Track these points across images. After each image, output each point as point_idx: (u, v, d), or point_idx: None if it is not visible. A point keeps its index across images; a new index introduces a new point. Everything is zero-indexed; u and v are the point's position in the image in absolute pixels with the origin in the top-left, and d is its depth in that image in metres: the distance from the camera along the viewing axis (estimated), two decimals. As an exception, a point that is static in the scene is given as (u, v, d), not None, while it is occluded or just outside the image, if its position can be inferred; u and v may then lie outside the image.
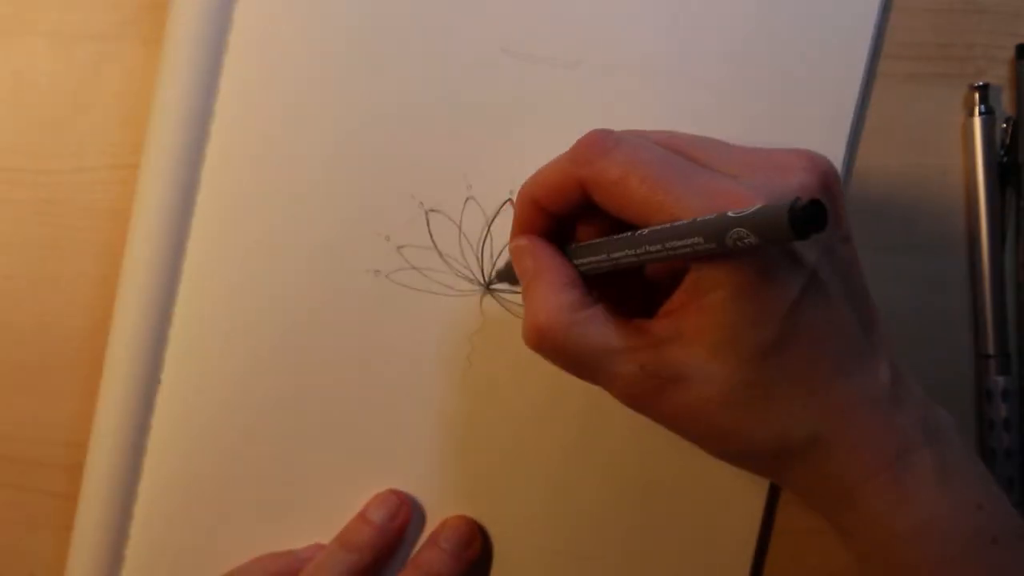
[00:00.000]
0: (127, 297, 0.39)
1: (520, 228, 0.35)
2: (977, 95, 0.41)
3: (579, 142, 0.32)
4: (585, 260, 0.33)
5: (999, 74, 0.41)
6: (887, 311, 0.40)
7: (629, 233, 0.31)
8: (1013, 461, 0.40)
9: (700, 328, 0.30)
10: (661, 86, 0.39)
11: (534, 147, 0.36)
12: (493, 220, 0.39)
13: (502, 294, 0.40)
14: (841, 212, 0.32)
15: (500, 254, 0.40)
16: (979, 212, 0.41)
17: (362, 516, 0.39)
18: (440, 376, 0.40)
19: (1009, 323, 0.41)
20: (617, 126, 0.33)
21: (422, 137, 0.40)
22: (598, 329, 0.31)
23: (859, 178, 0.41)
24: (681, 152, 0.32)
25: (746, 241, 0.27)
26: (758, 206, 0.27)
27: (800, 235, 0.26)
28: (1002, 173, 0.41)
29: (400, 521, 0.39)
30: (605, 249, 0.32)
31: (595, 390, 0.34)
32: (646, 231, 0.30)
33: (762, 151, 0.32)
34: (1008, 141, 0.41)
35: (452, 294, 0.40)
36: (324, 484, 0.40)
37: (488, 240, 0.40)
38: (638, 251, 0.30)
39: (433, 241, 0.40)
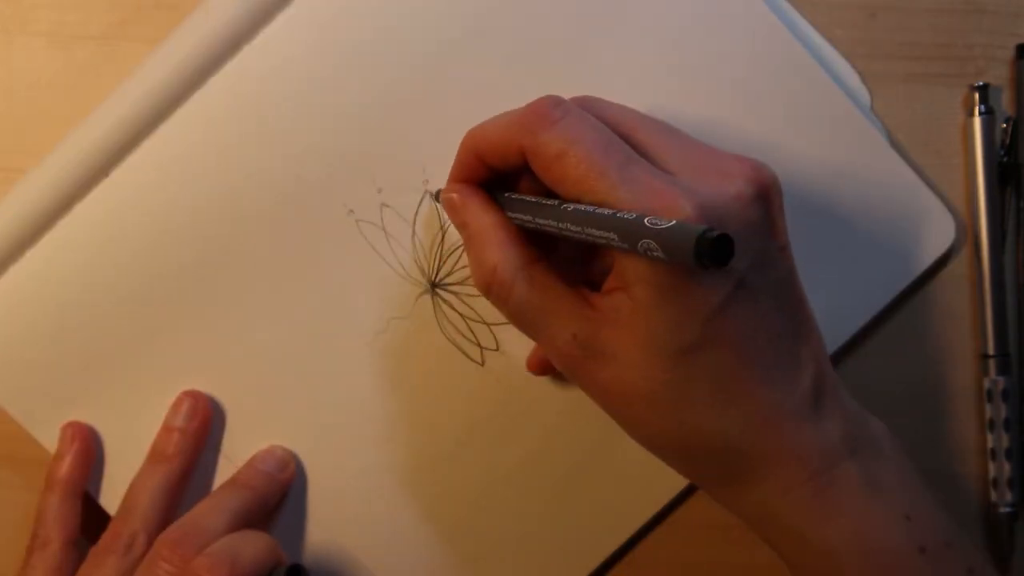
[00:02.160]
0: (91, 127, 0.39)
1: (459, 175, 0.35)
2: (977, 95, 0.41)
3: (527, 108, 0.32)
4: (515, 214, 0.33)
5: (999, 74, 0.41)
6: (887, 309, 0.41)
7: (556, 203, 0.31)
8: (1013, 461, 0.40)
9: (630, 316, 0.30)
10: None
11: None
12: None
13: (441, 302, 0.40)
14: (779, 223, 0.32)
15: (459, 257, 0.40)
16: (979, 212, 0.41)
17: (165, 428, 0.40)
18: (343, 332, 0.40)
19: (1009, 323, 0.41)
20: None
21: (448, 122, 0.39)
22: (540, 288, 0.32)
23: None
24: (629, 135, 0.32)
25: (655, 254, 0.27)
26: (672, 223, 0.27)
27: (702, 265, 0.26)
28: (1002, 173, 0.41)
29: (199, 420, 0.39)
30: (532, 211, 0.32)
31: (477, 404, 0.38)
32: (570, 208, 0.30)
33: (710, 151, 0.32)
34: (1008, 141, 0.41)
35: (400, 273, 0.40)
36: (191, 361, 0.40)
37: (444, 245, 0.40)
38: (560, 225, 0.30)
39: (415, 219, 0.40)
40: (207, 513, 0.37)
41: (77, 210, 0.39)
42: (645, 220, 0.27)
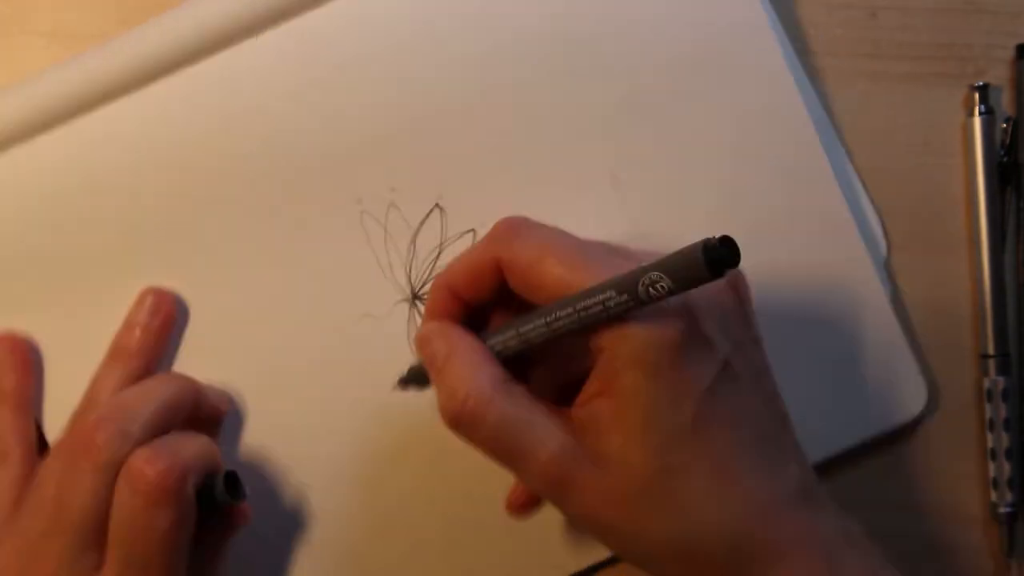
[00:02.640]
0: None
1: (431, 316, 0.34)
2: (977, 95, 0.41)
3: (496, 225, 0.32)
4: (495, 341, 0.32)
5: (999, 74, 0.41)
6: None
7: (541, 307, 0.31)
8: (1013, 461, 0.40)
9: (616, 413, 0.29)
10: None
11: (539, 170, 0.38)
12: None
13: (417, 315, 0.40)
14: (751, 316, 0.32)
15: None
16: (979, 212, 0.41)
17: (127, 324, 0.39)
18: (315, 311, 0.40)
19: (1009, 323, 0.41)
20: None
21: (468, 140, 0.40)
22: (520, 403, 0.31)
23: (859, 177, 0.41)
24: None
25: (659, 286, 0.27)
26: (671, 252, 0.27)
27: (716, 272, 0.26)
28: (1002, 173, 0.41)
29: (162, 317, 0.39)
30: (515, 325, 0.31)
31: (419, 424, 0.38)
32: (558, 301, 0.30)
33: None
34: (1008, 141, 0.41)
35: (386, 275, 0.40)
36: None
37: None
38: (548, 319, 0.30)
39: (419, 229, 0.40)
40: (136, 398, 0.36)
41: (87, 120, 0.39)
42: (641, 264, 0.27)
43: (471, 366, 0.31)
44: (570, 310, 0.29)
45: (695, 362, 0.29)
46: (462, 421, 0.31)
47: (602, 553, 0.39)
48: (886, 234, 0.41)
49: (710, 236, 0.26)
